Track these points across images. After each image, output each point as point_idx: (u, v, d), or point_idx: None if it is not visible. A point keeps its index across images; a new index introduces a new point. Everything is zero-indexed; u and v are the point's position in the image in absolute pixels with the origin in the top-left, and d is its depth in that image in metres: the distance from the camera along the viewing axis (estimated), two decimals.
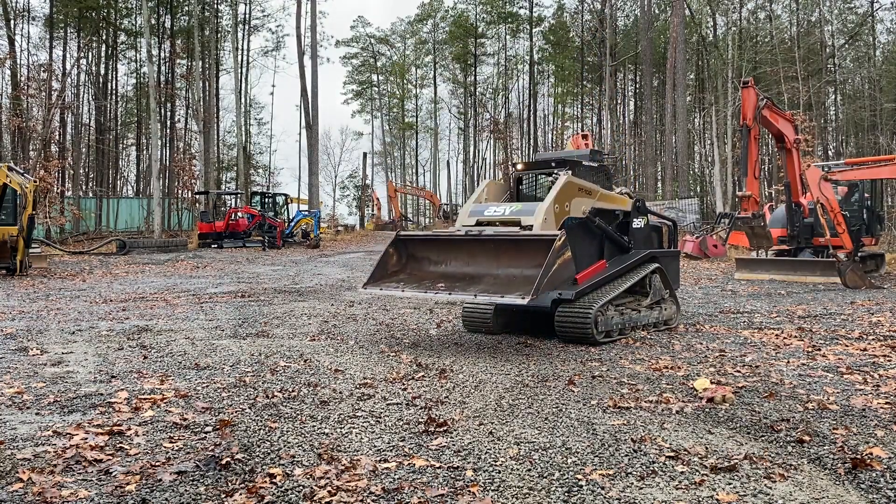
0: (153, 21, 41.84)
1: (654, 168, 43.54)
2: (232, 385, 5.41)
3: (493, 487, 3.29)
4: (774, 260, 15.55)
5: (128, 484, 3.32)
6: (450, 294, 6.74)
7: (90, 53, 42.95)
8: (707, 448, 3.82)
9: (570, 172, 7.53)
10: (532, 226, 6.85)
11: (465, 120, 63.80)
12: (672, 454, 3.71)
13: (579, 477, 3.40)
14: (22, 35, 40.62)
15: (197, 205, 38.56)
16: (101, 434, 4.09)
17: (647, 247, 8.45)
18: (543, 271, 6.16)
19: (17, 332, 8.21)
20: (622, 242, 8.14)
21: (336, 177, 71.64)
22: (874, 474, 3.41)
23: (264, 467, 3.55)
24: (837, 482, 3.35)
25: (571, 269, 6.74)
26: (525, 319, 7.99)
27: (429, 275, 7.35)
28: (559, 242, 6.36)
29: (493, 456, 3.72)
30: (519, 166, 8.62)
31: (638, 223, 8.40)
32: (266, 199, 33.55)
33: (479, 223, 7.29)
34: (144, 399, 4.94)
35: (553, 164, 8.13)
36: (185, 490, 3.26)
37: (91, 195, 41.94)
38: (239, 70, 43.21)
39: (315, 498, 3.17)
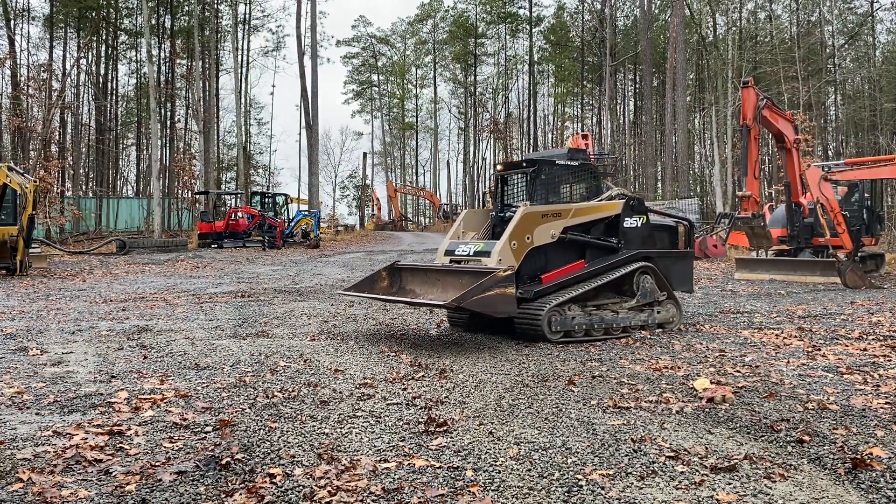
0: (153, 21, 41.82)
1: (654, 168, 43.54)
2: (232, 385, 5.41)
3: (493, 487, 3.29)
4: (774, 260, 15.55)
5: (128, 484, 3.32)
6: (401, 298, 7.88)
7: (90, 53, 42.95)
8: (707, 448, 3.82)
9: (527, 204, 7.70)
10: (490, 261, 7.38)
11: (465, 120, 63.80)
12: (672, 454, 3.71)
13: (579, 477, 3.40)
14: (22, 35, 40.66)
15: (197, 205, 38.56)
16: (101, 434, 4.09)
17: (648, 247, 8.26)
18: (471, 290, 6.72)
19: (17, 332, 8.21)
20: (608, 245, 8.02)
21: (336, 177, 71.65)
22: (874, 474, 3.41)
23: (264, 467, 3.55)
24: (837, 482, 3.35)
25: (511, 300, 6.95)
26: (498, 320, 7.96)
27: (406, 292, 8.21)
28: (502, 273, 6.91)
29: (493, 456, 3.72)
30: (499, 167, 8.88)
31: (631, 223, 8.18)
32: (266, 199, 33.54)
33: (451, 261, 7.93)
34: (144, 399, 4.94)
35: (524, 164, 8.21)
36: (185, 490, 3.26)
37: (91, 195, 41.95)
38: (239, 70, 43.21)
39: (315, 498, 3.17)
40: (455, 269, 7.67)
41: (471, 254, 7.70)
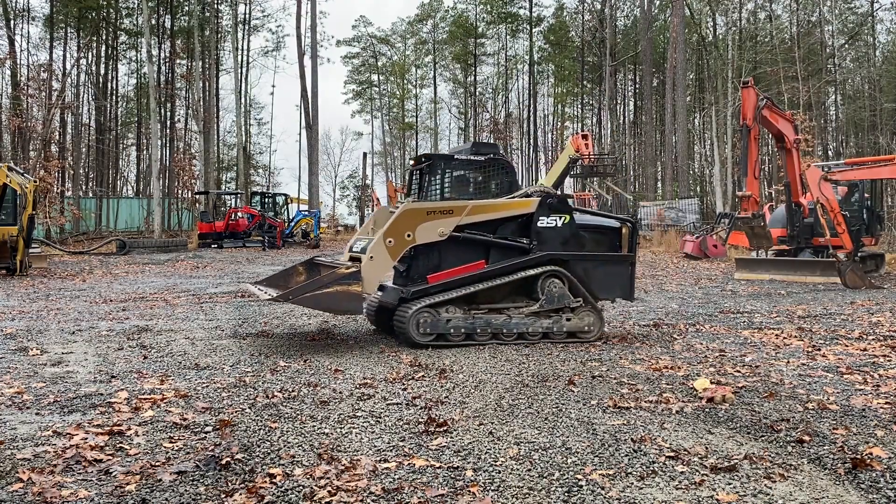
0: (153, 21, 41.82)
1: (654, 168, 43.54)
2: (232, 385, 5.41)
3: (493, 487, 3.29)
4: (774, 260, 15.55)
5: (128, 484, 3.32)
6: (262, 291, 7.76)
7: (90, 53, 42.95)
8: (707, 448, 3.82)
9: (410, 201, 7.52)
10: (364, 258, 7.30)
11: (465, 120, 63.78)
12: (672, 454, 3.71)
13: (579, 477, 3.40)
14: (22, 35, 40.67)
15: (197, 205, 38.55)
16: (101, 434, 4.09)
17: (571, 248, 7.58)
18: (303, 286, 6.81)
19: (17, 332, 8.21)
20: (517, 245, 7.48)
21: (336, 177, 71.63)
22: (874, 474, 3.41)
23: (264, 467, 3.55)
24: (837, 482, 3.35)
25: (355, 297, 6.92)
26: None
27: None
28: (344, 270, 7.00)
29: (493, 456, 3.72)
30: (411, 162, 8.66)
31: (548, 222, 7.54)
32: (266, 199, 33.54)
33: (351, 257, 7.82)
34: (144, 399, 4.94)
35: (423, 160, 7.97)
36: (185, 490, 3.26)
37: (91, 195, 41.95)
38: (239, 70, 43.21)
39: (315, 498, 3.17)
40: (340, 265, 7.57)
41: (359, 249, 7.56)
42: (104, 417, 4.50)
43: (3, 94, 38.08)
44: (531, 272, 7.40)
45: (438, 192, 7.87)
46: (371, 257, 7.12)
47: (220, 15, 46.47)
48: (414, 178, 8.35)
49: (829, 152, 42.35)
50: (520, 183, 8.49)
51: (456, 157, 7.94)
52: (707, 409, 4.61)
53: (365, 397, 5.01)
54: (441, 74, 65.46)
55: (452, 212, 7.30)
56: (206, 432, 4.16)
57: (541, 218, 7.53)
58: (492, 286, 7.32)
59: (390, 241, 7.14)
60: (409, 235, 7.18)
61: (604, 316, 7.87)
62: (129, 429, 4.21)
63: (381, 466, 3.56)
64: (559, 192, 8.08)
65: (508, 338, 7.28)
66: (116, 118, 46.36)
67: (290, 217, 33.30)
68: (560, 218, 7.61)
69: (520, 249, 7.51)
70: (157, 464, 3.59)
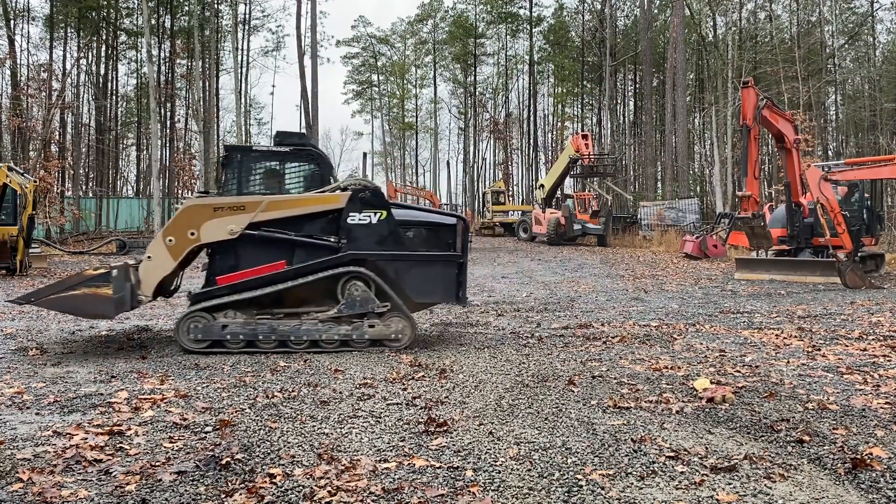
0: (153, 21, 41.82)
1: (654, 168, 43.52)
2: (232, 385, 5.41)
3: (493, 487, 3.29)
4: (774, 260, 15.54)
5: (128, 484, 3.32)
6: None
7: (90, 53, 42.94)
8: (707, 448, 3.82)
9: (193, 197, 7.13)
10: (150, 257, 7.00)
11: (465, 120, 63.76)
12: (672, 454, 3.71)
13: (579, 477, 3.40)
14: (22, 35, 40.64)
15: None
16: (101, 434, 4.09)
17: (389, 247, 6.97)
18: (46, 288, 6.76)
19: (17, 332, 8.21)
20: (324, 244, 6.94)
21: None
22: (874, 474, 3.41)
23: (264, 467, 3.55)
24: (837, 482, 3.35)
25: (105, 300, 6.58)
26: None
27: None
28: (91, 271, 6.80)
29: (493, 456, 3.72)
30: (223, 154, 8.16)
31: (361, 219, 6.91)
32: None
33: None
34: (144, 399, 4.94)
35: (225, 152, 7.50)
36: (185, 490, 3.26)
37: (91, 195, 41.92)
38: (239, 70, 43.18)
39: (315, 498, 3.17)
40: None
41: None
42: (104, 417, 4.50)
43: (3, 94, 38.08)
44: (330, 273, 6.81)
45: (236, 186, 7.23)
46: (149, 257, 6.82)
47: (220, 15, 46.44)
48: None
49: (829, 152, 42.34)
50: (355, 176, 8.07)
51: (255, 148, 7.50)
52: (707, 409, 4.61)
53: (365, 397, 5.01)
54: (441, 74, 65.46)
55: (245, 208, 6.78)
56: (206, 432, 4.16)
57: (351, 214, 6.90)
58: (284, 289, 6.78)
59: (170, 240, 6.78)
60: (192, 234, 6.76)
61: (415, 321, 7.13)
62: (129, 429, 4.21)
63: (381, 466, 3.56)
64: (375, 185, 7.43)
65: (299, 345, 6.74)
66: (116, 118, 46.35)
67: None
68: (375, 214, 6.96)
69: (328, 248, 6.93)
70: (157, 464, 3.59)
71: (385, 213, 6.98)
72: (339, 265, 6.86)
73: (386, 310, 6.88)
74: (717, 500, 3.12)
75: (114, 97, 45.29)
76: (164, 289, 7.41)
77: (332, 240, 6.94)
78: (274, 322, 6.77)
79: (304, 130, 44.05)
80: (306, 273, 6.83)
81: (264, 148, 7.44)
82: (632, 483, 3.33)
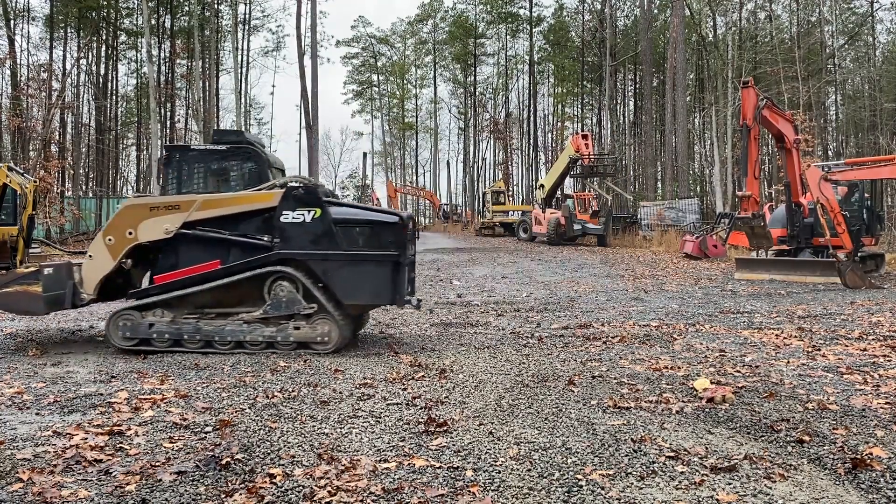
0: (153, 21, 41.82)
1: (654, 168, 43.52)
2: (232, 385, 5.41)
3: (493, 487, 3.29)
4: (774, 260, 15.54)
5: (128, 484, 3.32)
6: None
7: (90, 53, 42.93)
8: (707, 448, 3.82)
9: (132, 197, 7.19)
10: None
11: (465, 120, 63.78)
12: (672, 454, 3.71)
13: (579, 477, 3.40)
14: (22, 35, 40.63)
15: None
16: (101, 434, 4.09)
17: (324, 246, 6.73)
18: None
19: (17, 331, 8.21)
20: (257, 243, 6.82)
21: (336, 177, 71.70)
22: (874, 474, 3.41)
23: (264, 467, 3.55)
24: (837, 482, 3.35)
25: (35, 298, 6.76)
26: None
27: None
28: (23, 269, 6.88)
29: (493, 456, 3.72)
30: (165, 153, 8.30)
31: (293, 217, 6.74)
32: None
33: None
34: (144, 399, 4.94)
35: (166, 151, 7.57)
36: (185, 490, 3.26)
37: (91, 195, 41.92)
38: (239, 70, 43.18)
39: (315, 498, 3.17)
40: None
41: None
42: (104, 417, 4.50)
43: (3, 94, 38.08)
44: (255, 273, 6.74)
45: (176, 185, 7.29)
46: (90, 256, 6.91)
47: (220, 15, 46.45)
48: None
49: (829, 152, 42.34)
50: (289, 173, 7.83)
51: (193, 147, 7.52)
52: (707, 409, 4.61)
53: (365, 397, 5.01)
54: (441, 74, 65.52)
55: (179, 207, 6.78)
56: (206, 432, 4.16)
57: (284, 212, 6.75)
58: (212, 289, 6.77)
59: (110, 240, 6.84)
60: (130, 233, 6.81)
61: (346, 324, 6.86)
62: (129, 429, 4.21)
63: (381, 466, 3.56)
64: (313, 183, 7.23)
65: (224, 346, 6.69)
66: (116, 118, 46.35)
67: None
68: (309, 212, 6.76)
69: (262, 248, 6.82)
70: (157, 464, 3.59)
71: (319, 211, 6.77)
72: (264, 265, 6.76)
73: (313, 311, 6.71)
74: (717, 500, 3.12)
75: (114, 97, 45.30)
76: (124, 289, 7.41)
77: (266, 239, 6.82)
78: (200, 322, 6.77)
79: (304, 130, 44.00)
80: (234, 273, 6.78)
81: (202, 147, 7.44)
82: (632, 483, 3.33)
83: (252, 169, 7.26)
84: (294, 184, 6.97)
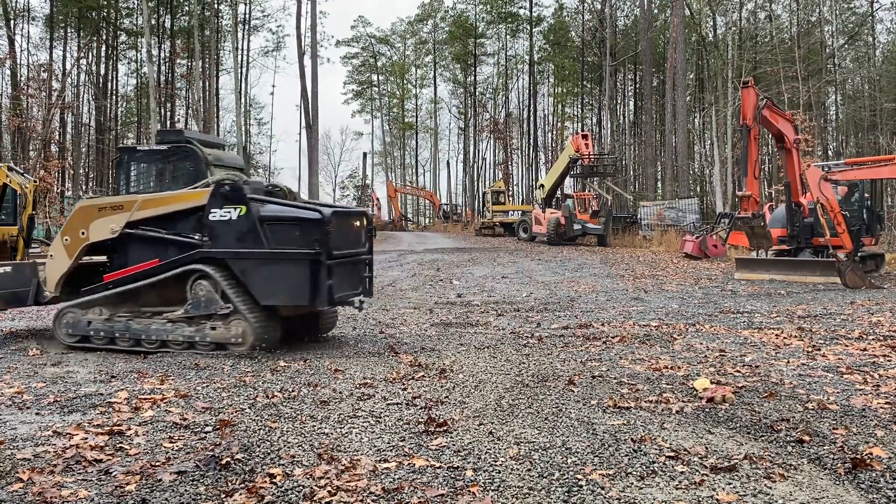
0: (153, 21, 41.82)
1: (654, 168, 43.51)
2: (232, 385, 5.41)
3: (493, 487, 3.29)
4: (774, 260, 15.54)
5: (128, 484, 3.32)
6: None
7: (90, 53, 42.93)
8: (707, 448, 3.82)
9: (83, 198, 7.36)
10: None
11: (465, 120, 63.75)
12: (672, 454, 3.71)
13: (579, 477, 3.40)
14: (22, 35, 40.62)
15: None
16: (101, 434, 4.09)
17: (249, 244, 6.65)
18: None
19: (17, 331, 8.21)
20: (188, 241, 6.83)
21: (336, 177, 71.60)
22: (874, 474, 3.41)
23: (264, 467, 3.55)
24: (837, 482, 3.35)
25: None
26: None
27: None
28: None
29: (493, 456, 3.72)
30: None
31: (221, 215, 6.69)
32: None
33: None
34: (144, 399, 4.94)
35: (117, 153, 7.90)
36: (185, 490, 3.26)
37: (91, 195, 41.91)
38: (239, 70, 43.17)
39: (315, 498, 3.17)
40: None
41: None
42: (104, 417, 4.50)
43: (3, 94, 38.08)
44: (177, 272, 6.77)
45: (125, 186, 7.39)
46: (51, 255, 7.14)
47: (220, 15, 46.43)
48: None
49: (829, 152, 42.34)
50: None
51: (139, 148, 7.62)
52: (707, 409, 4.61)
53: (365, 397, 5.00)
54: (441, 74, 65.47)
55: (123, 207, 6.94)
56: (206, 432, 4.16)
57: (213, 210, 6.71)
58: (138, 288, 6.86)
59: (66, 240, 7.04)
60: (83, 233, 6.99)
61: (262, 325, 6.72)
62: (129, 429, 4.21)
63: (381, 466, 3.56)
64: (237, 180, 7.09)
65: (151, 345, 6.73)
66: (116, 118, 46.35)
67: None
68: (235, 210, 6.69)
69: (193, 246, 6.82)
70: (157, 464, 3.59)
71: (244, 208, 6.67)
72: (186, 263, 6.76)
73: (229, 311, 6.64)
74: (717, 500, 3.12)
75: (114, 97, 45.31)
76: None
77: (197, 237, 6.81)
78: (132, 321, 6.84)
79: (304, 130, 44.00)
80: (160, 272, 6.86)
81: (147, 147, 7.55)
82: (632, 483, 3.33)
83: (189, 168, 7.22)
84: (225, 181, 6.90)
